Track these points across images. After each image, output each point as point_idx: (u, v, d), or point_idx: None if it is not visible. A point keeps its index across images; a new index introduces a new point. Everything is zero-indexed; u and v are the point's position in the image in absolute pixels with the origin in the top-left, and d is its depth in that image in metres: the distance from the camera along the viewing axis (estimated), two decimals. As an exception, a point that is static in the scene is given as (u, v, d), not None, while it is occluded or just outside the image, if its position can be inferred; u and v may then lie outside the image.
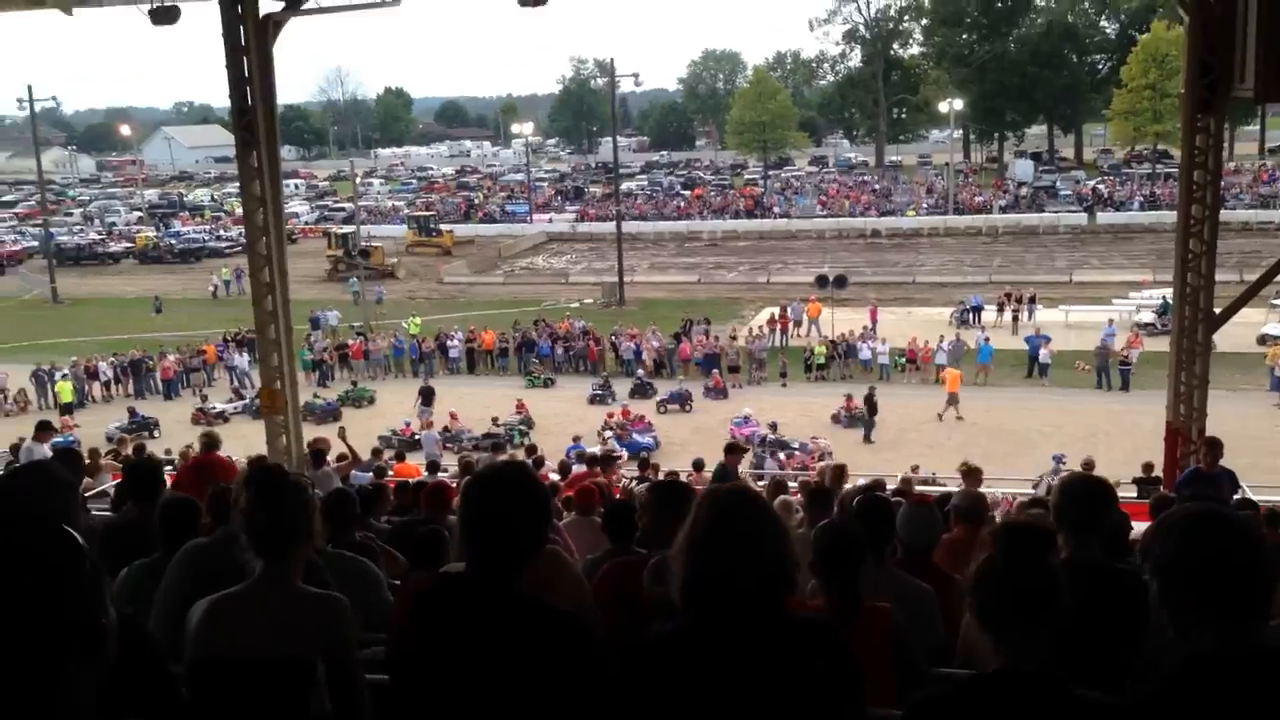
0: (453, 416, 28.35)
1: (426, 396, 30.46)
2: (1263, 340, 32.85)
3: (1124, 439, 25.18)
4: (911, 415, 29.48)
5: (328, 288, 52.48)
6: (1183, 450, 14.43)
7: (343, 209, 75.67)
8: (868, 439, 27.55)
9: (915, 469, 18.13)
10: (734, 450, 13.74)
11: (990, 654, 2.47)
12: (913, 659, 3.77)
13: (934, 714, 2.48)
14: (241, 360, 35.34)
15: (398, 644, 2.76)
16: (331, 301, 46.23)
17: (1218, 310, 14.45)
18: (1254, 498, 11.32)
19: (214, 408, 31.24)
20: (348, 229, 58.46)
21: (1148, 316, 36.62)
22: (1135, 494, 14.43)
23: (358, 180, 72.81)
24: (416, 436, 27.31)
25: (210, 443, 10.89)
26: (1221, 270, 14.93)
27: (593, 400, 32.13)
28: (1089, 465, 14.52)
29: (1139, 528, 7.22)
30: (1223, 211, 14.75)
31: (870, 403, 27.98)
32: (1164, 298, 33.99)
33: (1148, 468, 15.46)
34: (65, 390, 32.78)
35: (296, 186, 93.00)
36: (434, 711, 2.59)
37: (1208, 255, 14.07)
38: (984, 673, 2.49)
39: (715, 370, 33.28)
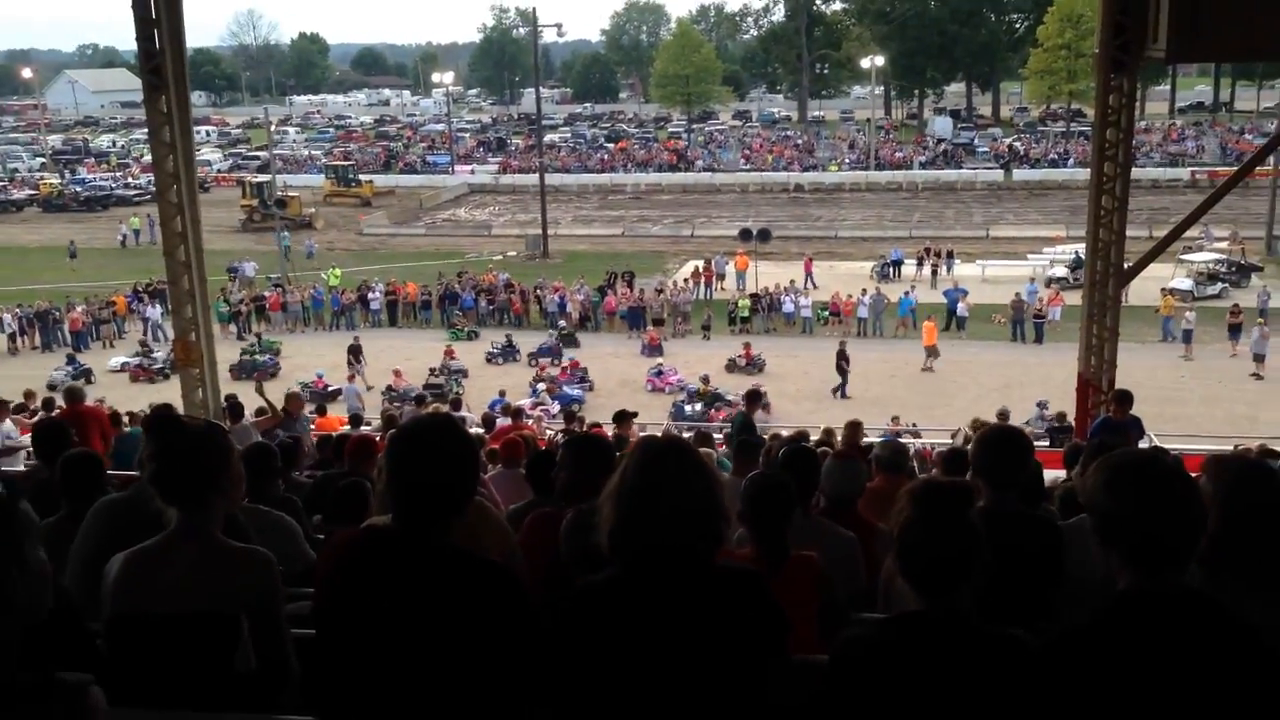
0: (396, 374, 27.65)
1: (355, 354, 29.73)
2: (1170, 293, 33.90)
3: (1037, 390, 25.86)
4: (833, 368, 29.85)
5: (242, 238, 51.19)
6: (1093, 400, 14.84)
7: (257, 157, 73.71)
8: (842, 394, 27.27)
9: (895, 419, 18.18)
10: (754, 399, 13.37)
11: (911, 602, 2.54)
12: (838, 607, 3.83)
13: (858, 653, 2.53)
14: (154, 313, 34.39)
15: (324, 598, 2.70)
16: (248, 252, 45.11)
17: (1128, 265, 14.82)
18: (1160, 445, 11.71)
19: (155, 363, 30.23)
20: (263, 178, 57.02)
21: (1061, 271, 37.53)
22: (1048, 443, 14.88)
23: (272, 128, 70.90)
24: (331, 389, 26.93)
25: (74, 394, 11.07)
26: (1132, 226, 15.30)
27: (490, 360, 31.25)
28: (1004, 416, 14.88)
29: (1051, 476, 7.45)
30: (1134, 169, 15.08)
31: (843, 356, 27.70)
32: (1076, 253, 34.86)
33: (1060, 416, 15.91)
34: (-34, 343, 31.64)
35: (208, 134, 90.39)
36: (362, 666, 2.55)
37: (1119, 211, 14.38)
38: (904, 613, 2.56)
39: (649, 328, 33.24)
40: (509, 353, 31.61)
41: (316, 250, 47.11)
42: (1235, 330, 30.02)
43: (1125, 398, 11.47)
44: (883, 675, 2.47)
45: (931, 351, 29.59)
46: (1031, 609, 3.35)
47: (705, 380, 27.06)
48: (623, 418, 13.39)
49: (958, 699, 2.39)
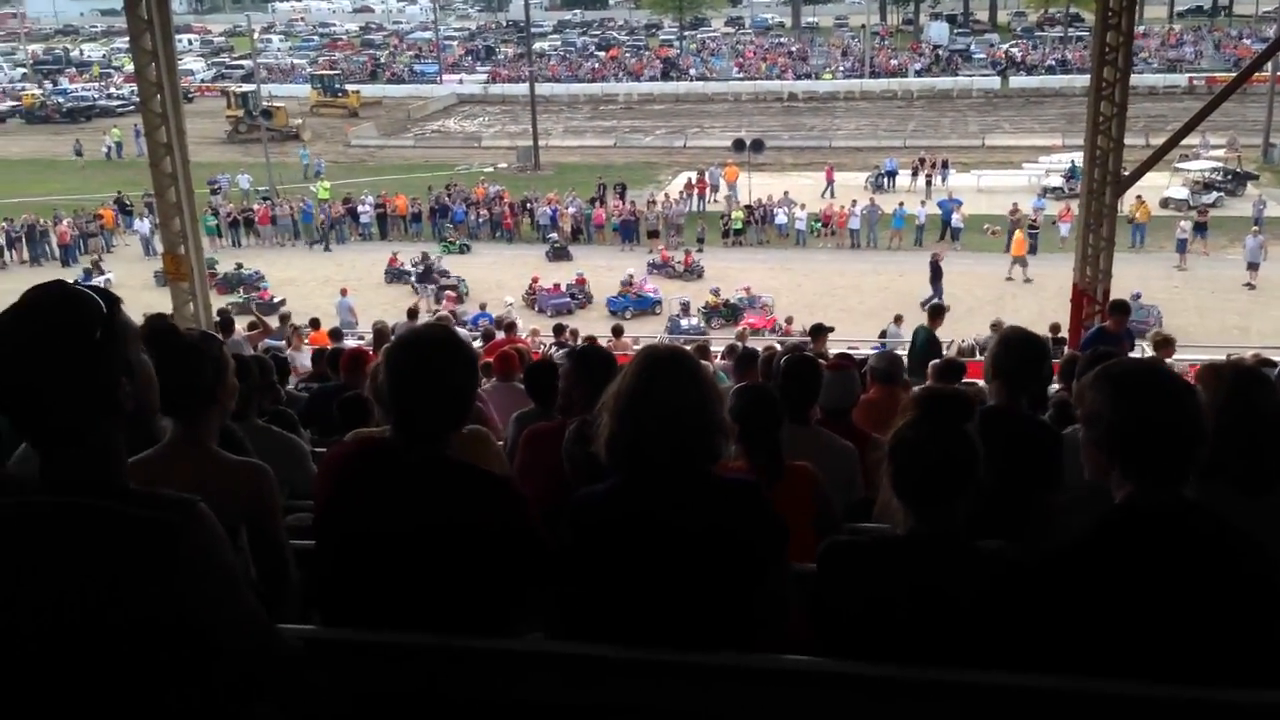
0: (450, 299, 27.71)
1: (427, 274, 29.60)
2: (1166, 204, 33.74)
3: (1031, 300, 25.95)
4: (829, 281, 29.80)
5: (229, 149, 50.51)
6: (1088, 311, 14.87)
7: (240, 67, 72.18)
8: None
9: (1055, 327, 17.56)
10: (938, 313, 12.86)
11: (902, 517, 2.52)
12: (834, 517, 3.86)
13: (842, 560, 2.54)
14: (144, 226, 34.09)
15: (325, 510, 2.71)
16: (234, 164, 44.55)
17: (1125, 174, 14.72)
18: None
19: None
20: (248, 88, 55.96)
21: (1056, 181, 37.26)
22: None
23: (255, 36, 69.41)
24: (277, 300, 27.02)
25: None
26: (1129, 135, 15.12)
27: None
28: (997, 327, 14.76)
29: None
30: (1131, 76, 14.87)
31: (935, 268, 27.37)
32: (1072, 161, 34.56)
33: (1054, 328, 15.92)
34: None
35: (190, 42, 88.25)
36: (365, 576, 2.57)
37: (1118, 118, 14.24)
38: (891, 535, 2.55)
39: (656, 241, 33.11)
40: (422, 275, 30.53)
41: (325, 167, 45.91)
42: (1201, 229, 30.50)
43: (1121, 308, 11.45)
44: (863, 584, 2.47)
45: (1021, 261, 29.31)
46: (1028, 511, 3.38)
47: (716, 292, 27.26)
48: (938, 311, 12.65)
49: (942, 611, 2.39)
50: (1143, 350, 12.47)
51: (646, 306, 28.15)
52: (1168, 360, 9.52)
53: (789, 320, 24.40)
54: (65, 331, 1.92)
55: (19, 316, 1.93)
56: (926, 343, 11.65)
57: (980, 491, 2.47)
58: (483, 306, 24.70)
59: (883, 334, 20.29)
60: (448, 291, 28.21)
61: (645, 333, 21.84)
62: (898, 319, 20.92)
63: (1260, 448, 2.84)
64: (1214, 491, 2.62)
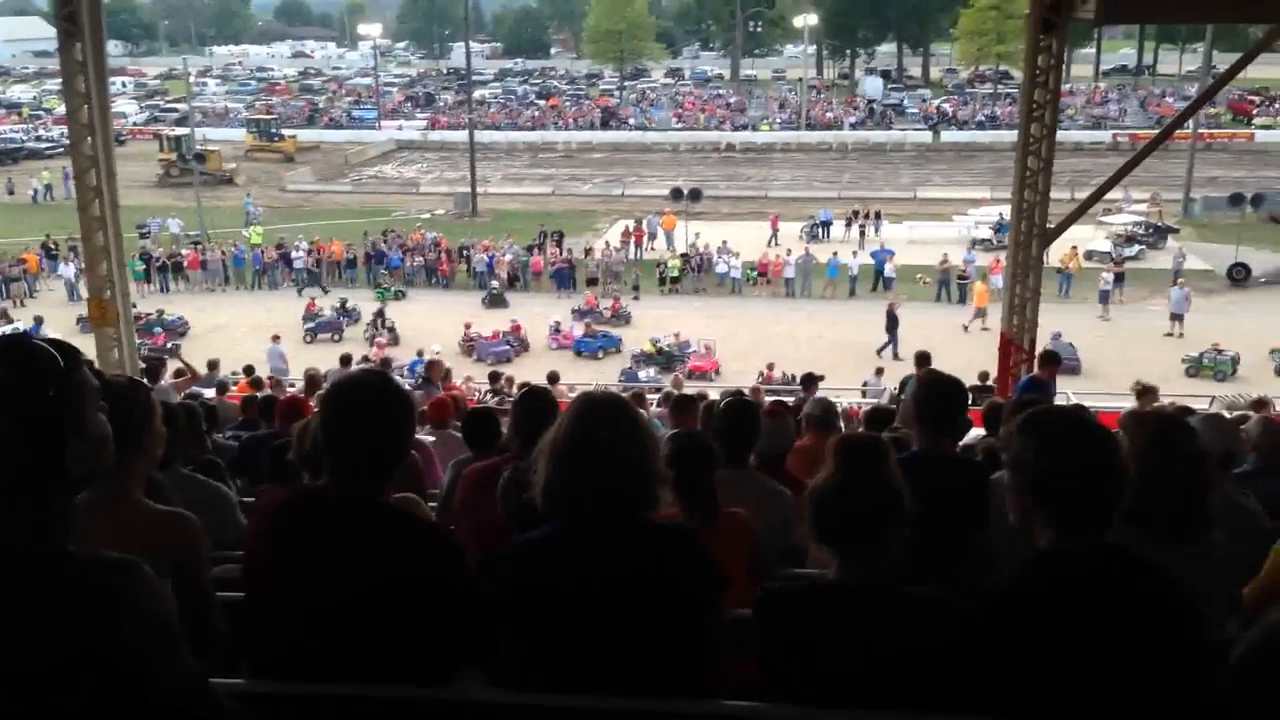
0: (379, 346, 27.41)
1: (380, 317, 29.33)
2: (1090, 256, 34.67)
3: (961, 349, 26.33)
4: (765, 329, 30.07)
5: (161, 193, 49.78)
6: (1015, 359, 15.16)
7: (175, 110, 71.43)
8: (895, 355, 26.81)
9: (984, 375, 17.36)
10: (927, 361, 12.91)
11: (830, 563, 2.54)
12: (768, 562, 3.87)
13: (777, 604, 2.55)
14: (69, 270, 33.37)
15: (257, 559, 2.65)
16: (166, 208, 43.89)
17: (1051, 226, 15.10)
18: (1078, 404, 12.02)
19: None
20: (181, 131, 55.28)
21: (984, 233, 38.12)
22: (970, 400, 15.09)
23: (191, 79, 68.79)
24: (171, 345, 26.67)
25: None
26: (1055, 188, 15.55)
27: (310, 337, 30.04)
28: (923, 358, 14.65)
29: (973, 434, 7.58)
30: (1058, 132, 15.32)
31: (891, 317, 27.71)
32: (1000, 214, 35.42)
33: (983, 376, 16.19)
34: None
35: (124, 85, 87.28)
36: (296, 626, 2.52)
37: (1044, 172, 14.63)
38: (822, 581, 2.56)
39: (588, 291, 33.16)
40: (338, 320, 30.27)
41: (261, 214, 44.91)
42: (1120, 279, 31.64)
43: (1052, 358, 11.71)
44: (798, 631, 2.49)
45: (980, 313, 29.34)
46: (958, 551, 3.43)
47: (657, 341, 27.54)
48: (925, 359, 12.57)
49: (874, 658, 2.41)
50: (1068, 398, 12.75)
51: (613, 345, 28.67)
52: (1155, 405, 9.68)
53: (770, 366, 24.54)
54: (14, 389, 1.85)
55: None
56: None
57: (909, 534, 2.50)
58: (419, 353, 24.53)
59: (864, 385, 20.55)
60: (378, 338, 27.95)
61: (585, 378, 21.78)
62: (879, 371, 21.25)
63: (1182, 494, 2.91)
64: (1140, 536, 2.68)
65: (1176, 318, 28.71)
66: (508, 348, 27.75)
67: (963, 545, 3.56)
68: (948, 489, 3.65)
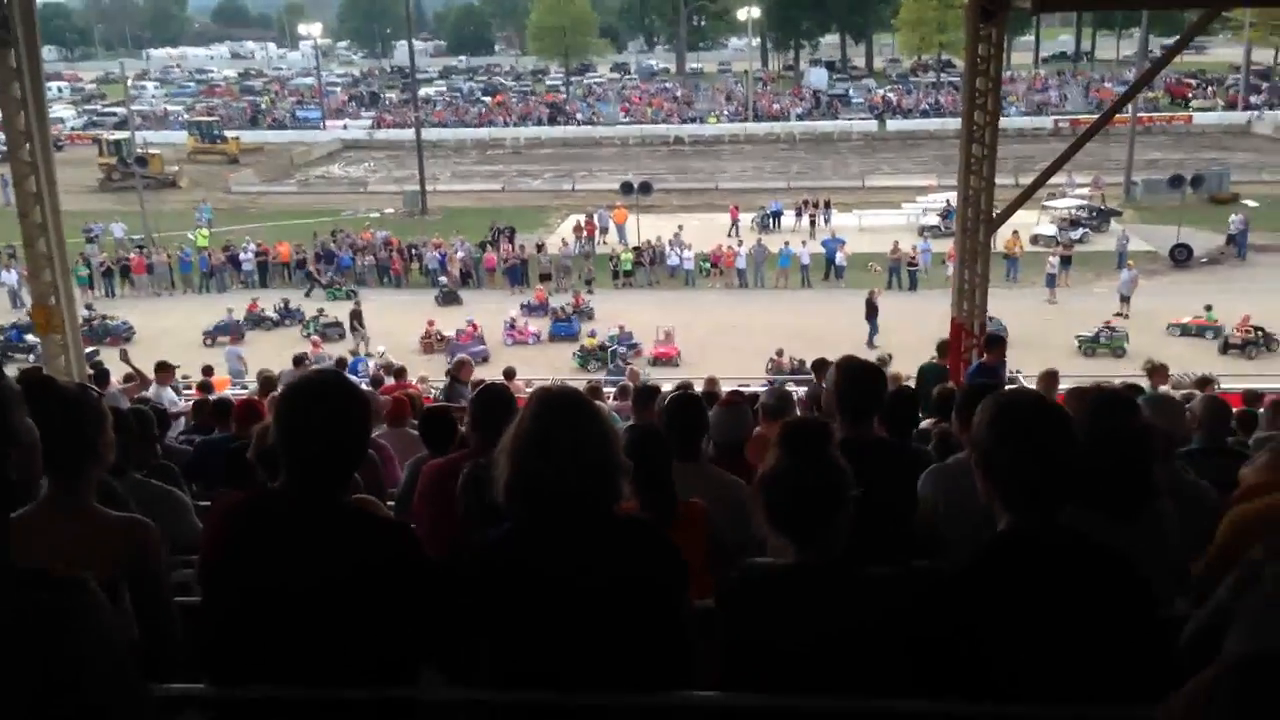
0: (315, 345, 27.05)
1: (357, 319, 28.72)
2: (1035, 240, 35.17)
3: (911, 334, 26.63)
4: (718, 319, 30.17)
5: (101, 198, 48.89)
6: (965, 344, 15.34)
7: (114, 114, 70.18)
8: (871, 343, 26.84)
9: (779, 352, 17.64)
10: (996, 344, 12.60)
11: (784, 548, 2.57)
12: (726, 551, 3.89)
13: (737, 596, 2.57)
14: (10, 277, 32.70)
15: (215, 563, 2.62)
16: (109, 212, 43.12)
17: (997, 213, 15.29)
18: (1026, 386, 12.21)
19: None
20: (121, 135, 54.33)
21: (933, 220, 38.55)
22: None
23: (129, 83, 67.59)
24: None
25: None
26: (999, 175, 15.73)
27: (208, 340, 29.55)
28: (883, 361, 15.11)
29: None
30: (1001, 119, 15.49)
31: (871, 305, 28.06)
32: (947, 201, 35.85)
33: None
34: None
35: (60, 90, 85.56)
36: (258, 630, 2.50)
37: (989, 159, 14.79)
38: (780, 564, 2.59)
39: (538, 286, 32.97)
40: (238, 323, 29.93)
41: (211, 215, 43.93)
42: (1066, 262, 32.39)
43: (996, 342, 11.86)
44: (761, 618, 2.51)
45: None
46: (887, 535, 3.47)
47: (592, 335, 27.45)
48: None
49: (835, 641, 2.44)
50: (1019, 382, 12.92)
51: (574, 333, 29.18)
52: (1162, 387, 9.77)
53: (779, 352, 24.61)
54: None
55: None
56: (935, 377, 11.72)
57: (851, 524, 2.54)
58: (352, 353, 24.48)
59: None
60: (313, 336, 27.70)
61: (543, 374, 21.73)
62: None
63: (1122, 468, 2.96)
64: (1085, 516, 2.73)
65: (1125, 299, 29.21)
66: (484, 347, 27.46)
67: (891, 529, 3.60)
68: (872, 473, 3.71)
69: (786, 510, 2.51)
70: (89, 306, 31.05)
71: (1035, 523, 2.38)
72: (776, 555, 2.61)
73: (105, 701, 1.89)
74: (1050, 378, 10.87)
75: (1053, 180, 19.33)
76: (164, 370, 13.29)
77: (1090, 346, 26.16)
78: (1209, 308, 27.86)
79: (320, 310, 30.89)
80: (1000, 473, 2.41)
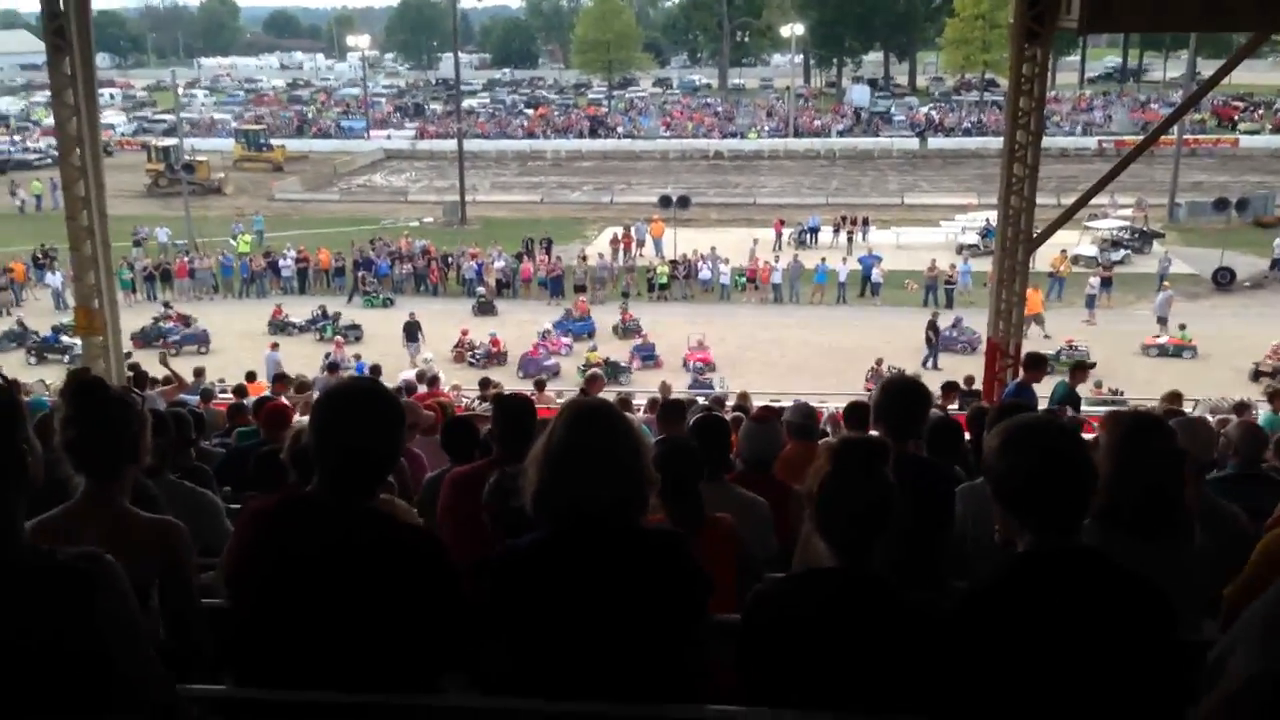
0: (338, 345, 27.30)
1: (411, 332, 28.39)
2: (1076, 261, 34.80)
3: (946, 352, 26.52)
4: (753, 335, 30.10)
5: (148, 203, 49.69)
6: (1000, 364, 15.22)
7: (163, 121, 71.42)
8: (934, 365, 26.58)
9: (969, 379, 17.29)
10: (1080, 368, 12.33)
11: (827, 559, 2.58)
12: (752, 567, 3.89)
13: (767, 607, 2.57)
14: (56, 279, 33.28)
15: (244, 565, 2.65)
16: (153, 217, 43.78)
17: (1037, 232, 15.18)
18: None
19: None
20: (169, 141, 55.19)
21: (972, 238, 38.25)
22: (956, 405, 15.19)
23: (180, 91, 68.65)
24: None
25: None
26: (1041, 194, 15.62)
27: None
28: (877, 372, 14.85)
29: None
30: (1044, 138, 15.39)
31: (932, 328, 27.68)
32: (987, 220, 35.55)
33: (969, 380, 16.25)
34: None
35: (112, 96, 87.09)
36: (286, 633, 2.52)
37: (1030, 179, 14.71)
38: (819, 569, 2.60)
39: (580, 297, 33.00)
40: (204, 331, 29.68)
41: (263, 225, 43.59)
42: (1107, 284, 31.97)
43: (1036, 362, 11.73)
44: (791, 630, 2.51)
45: (1038, 319, 28.17)
46: (925, 551, 3.45)
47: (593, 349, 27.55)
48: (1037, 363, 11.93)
49: (862, 655, 2.43)
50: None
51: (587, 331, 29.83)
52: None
53: (879, 362, 24.62)
54: None
55: None
56: (1065, 397, 11.57)
57: (890, 533, 2.55)
58: (357, 357, 24.63)
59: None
60: (337, 338, 27.93)
61: (571, 387, 21.78)
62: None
63: (1152, 491, 2.93)
64: (1112, 537, 2.71)
65: (1162, 320, 28.83)
66: (555, 361, 27.41)
67: (929, 545, 3.59)
68: (912, 490, 3.70)
69: (840, 524, 2.54)
70: (167, 305, 31.77)
71: (1055, 543, 2.37)
72: (819, 561, 2.63)
73: (125, 667, 2.09)
74: (1174, 399, 10.54)
75: (1095, 201, 19.18)
76: (200, 375, 13.45)
77: (1052, 364, 25.63)
78: (1183, 327, 27.82)
79: (337, 313, 31.09)
80: (1012, 496, 2.41)
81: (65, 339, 27.65)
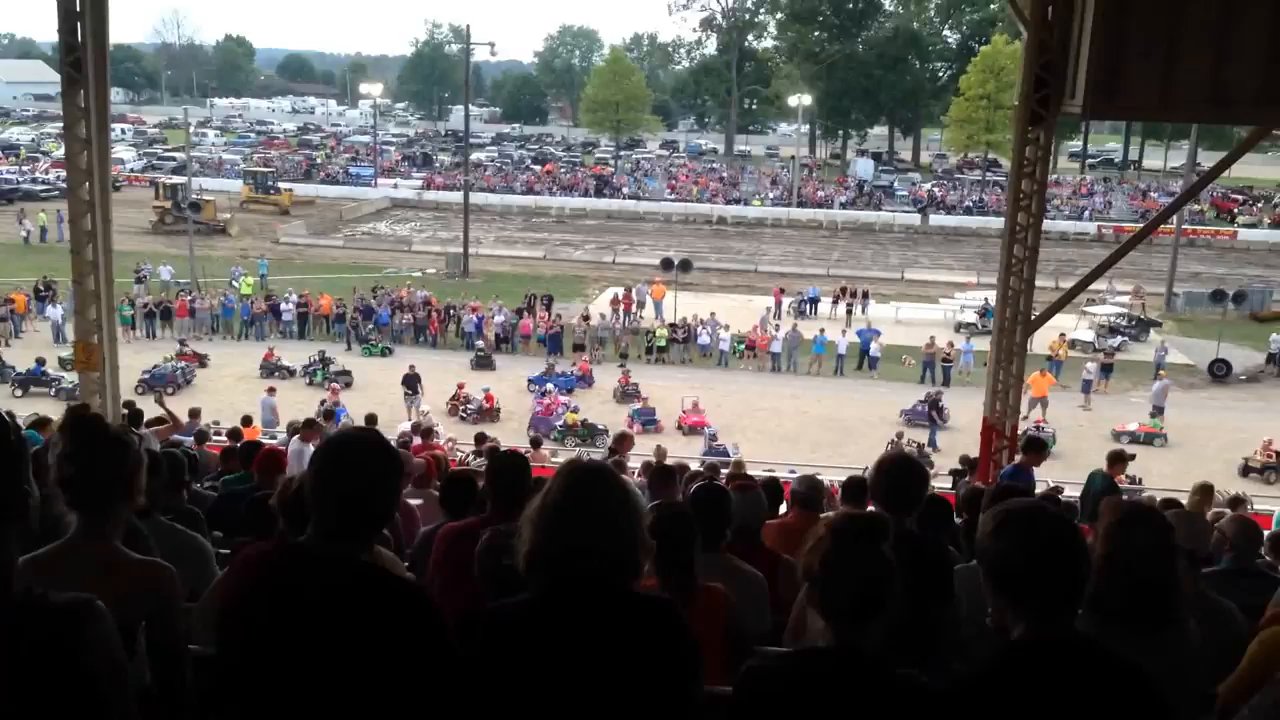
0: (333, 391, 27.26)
1: (411, 384, 28.21)
2: (1073, 345, 34.96)
3: (942, 431, 26.48)
4: (749, 402, 30.11)
5: (153, 240, 49.94)
6: (995, 445, 15.20)
7: (173, 158, 72.06)
8: (931, 445, 25.99)
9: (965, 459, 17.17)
10: (1119, 459, 12.02)
11: (823, 636, 2.57)
12: (744, 638, 3.86)
13: (757, 684, 2.55)
14: (56, 312, 33.31)
15: (233, 613, 2.63)
16: (157, 255, 43.97)
17: (1035, 315, 15.24)
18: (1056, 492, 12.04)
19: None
20: (178, 179, 55.65)
21: (970, 317, 38.45)
22: (949, 484, 15.15)
23: (191, 129, 69.35)
24: None
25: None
26: (1040, 277, 15.72)
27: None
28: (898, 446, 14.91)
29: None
30: (1044, 220, 15.51)
31: (936, 406, 27.57)
32: (985, 299, 35.77)
33: (965, 461, 16.22)
34: None
35: (124, 131, 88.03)
36: (272, 684, 2.50)
37: (1030, 261, 14.80)
38: (816, 647, 2.58)
39: (584, 356, 33.13)
40: (174, 372, 29.57)
41: (266, 269, 43.65)
42: (1107, 370, 32.11)
43: (1035, 445, 11.72)
44: (785, 709, 2.48)
45: (1042, 403, 28.48)
46: (922, 627, 3.43)
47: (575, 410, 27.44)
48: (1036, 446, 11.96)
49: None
50: (1048, 486, 12.75)
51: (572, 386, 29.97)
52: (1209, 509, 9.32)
53: (899, 435, 24.64)
54: None
55: None
56: (1102, 490, 11.16)
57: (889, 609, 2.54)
58: (337, 404, 24.78)
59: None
60: (332, 384, 27.91)
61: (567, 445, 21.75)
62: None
63: (1140, 583, 2.92)
64: (1106, 627, 2.69)
65: (1158, 409, 28.86)
66: (553, 417, 27.16)
67: (925, 622, 3.56)
68: (909, 566, 3.69)
69: (840, 602, 2.53)
70: (182, 342, 31.77)
71: (1049, 631, 2.36)
72: (814, 636, 2.61)
73: (109, 705, 2.12)
74: (1205, 491, 10.18)
75: (1093, 286, 19.30)
76: (195, 416, 13.41)
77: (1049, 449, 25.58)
78: (1154, 414, 27.88)
79: (329, 359, 31.13)
80: (1006, 581, 2.41)
81: (51, 371, 27.58)
